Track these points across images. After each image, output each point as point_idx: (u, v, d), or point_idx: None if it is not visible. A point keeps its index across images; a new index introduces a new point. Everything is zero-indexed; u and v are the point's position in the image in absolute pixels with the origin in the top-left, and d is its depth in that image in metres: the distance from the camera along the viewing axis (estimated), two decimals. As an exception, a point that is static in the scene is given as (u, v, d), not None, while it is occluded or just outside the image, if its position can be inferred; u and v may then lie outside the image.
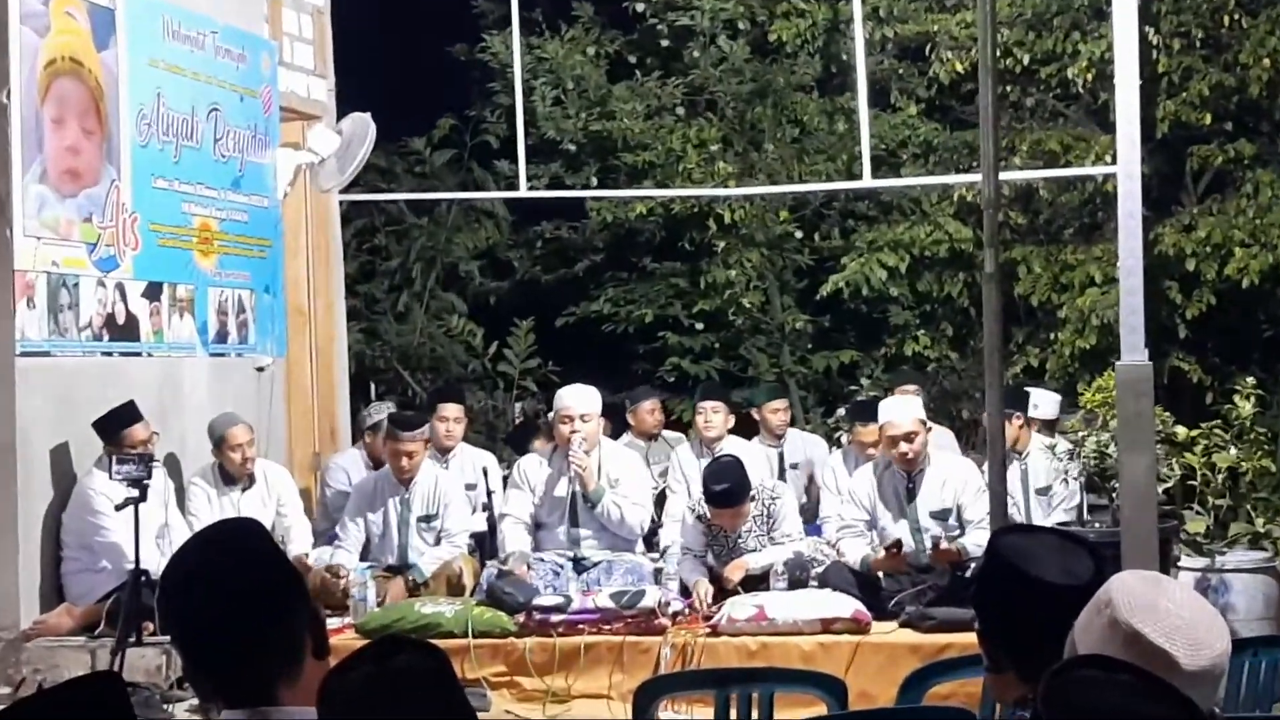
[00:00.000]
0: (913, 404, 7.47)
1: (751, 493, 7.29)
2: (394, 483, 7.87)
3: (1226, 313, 12.29)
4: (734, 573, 7.24)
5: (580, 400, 7.58)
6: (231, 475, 8.02)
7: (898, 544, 7.11)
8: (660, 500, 8.59)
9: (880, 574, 7.16)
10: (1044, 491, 8.14)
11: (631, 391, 9.52)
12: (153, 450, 7.49)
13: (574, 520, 7.57)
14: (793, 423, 9.94)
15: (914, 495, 7.25)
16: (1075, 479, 7.69)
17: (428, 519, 7.83)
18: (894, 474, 7.29)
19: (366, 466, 8.64)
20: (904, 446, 7.16)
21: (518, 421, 12.49)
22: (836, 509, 7.71)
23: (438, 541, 7.81)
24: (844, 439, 9.01)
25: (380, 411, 8.83)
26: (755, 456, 8.36)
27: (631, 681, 6.39)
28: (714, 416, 8.68)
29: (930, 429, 7.44)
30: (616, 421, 9.14)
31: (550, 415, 8.01)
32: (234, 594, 2.37)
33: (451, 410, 8.72)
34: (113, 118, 7.76)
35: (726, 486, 7.19)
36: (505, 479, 8.13)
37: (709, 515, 7.34)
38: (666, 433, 9.61)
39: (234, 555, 2.43)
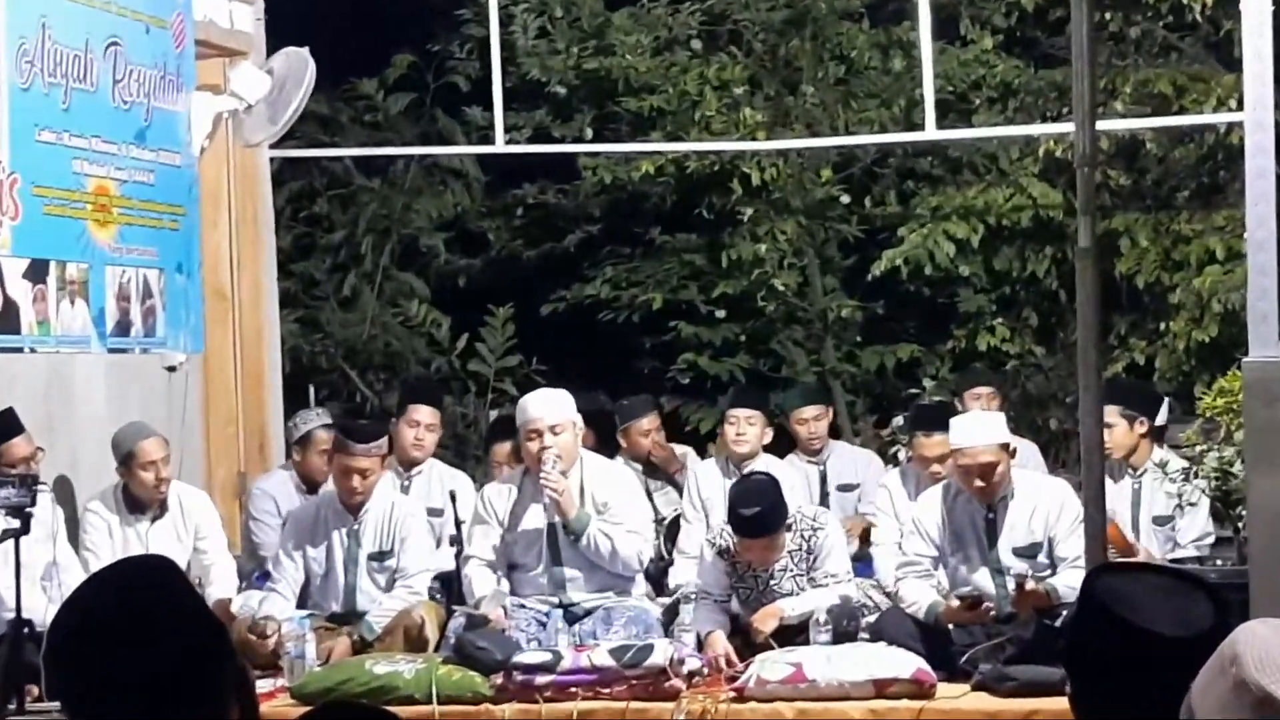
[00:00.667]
0: (992, 424, 7.44)
1: (789, 520, 7.30)
2: (339, 510, 7.87)
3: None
4: (765, 622, 7.26)
5: (549, 408, 7.57)
6: (139, 501, 8.03)
7: (977, 599, 7.10)
8: (672, 531, 8.59)
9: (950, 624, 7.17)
10: (1162, 521, 8.08)
11: (625, 403, 9.46)
12: (37, 470, 7.50)
13: (555, 558, 7.57)
14: (837, 434, 9.93)
15: (996, 533, 7.23)
16: (1192, 504, 7.65)
17: (380, 556, 7.83)
18: (969, 502, 7.29)
19: (298, 490, 8.64)
20: (980, 482, 7.17)
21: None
22: (895, 540, 7.72)
23: (390, 585, 7.81)
24: (902, 455, 9.01)
25: (310, 420, 8.80)
26: (792, 477, 8.36)
27: (637, 758, 6.42)
28: (748, 428, 8.65)
29: (1014, 451, 7.43)
30: (612, 438, 9.09)
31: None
32: (141, 650, 2.38)
33: (425, 414, 8.76)
34: (-13, 54, 7.76)
35: (758, 511, 7.20)
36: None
37: (735, 548, 7.35)
38: (676, 447, 9.56)
39: (141, 601, 2.43)
